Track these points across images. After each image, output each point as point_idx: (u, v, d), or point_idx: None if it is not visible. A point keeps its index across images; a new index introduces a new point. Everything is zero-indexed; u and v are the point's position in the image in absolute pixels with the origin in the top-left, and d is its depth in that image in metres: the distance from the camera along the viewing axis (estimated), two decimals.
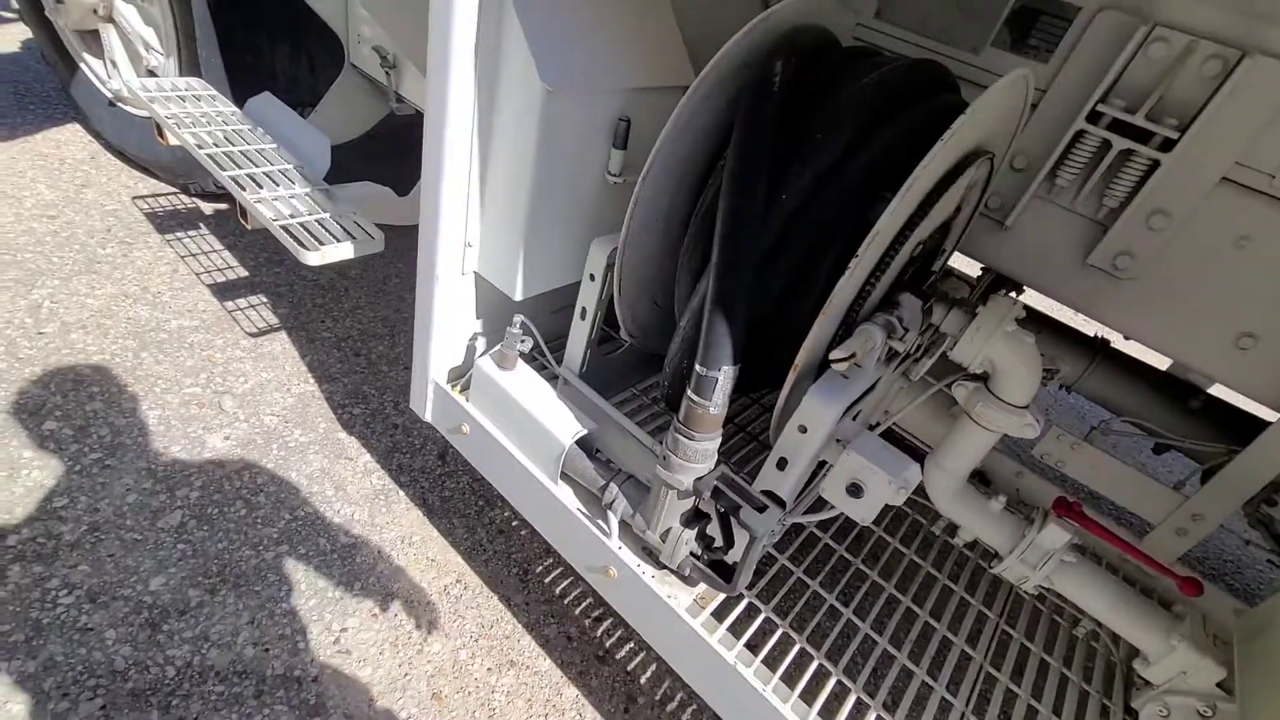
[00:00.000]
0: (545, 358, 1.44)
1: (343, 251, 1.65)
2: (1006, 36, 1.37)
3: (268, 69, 2.33)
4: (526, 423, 1.31)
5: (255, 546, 1.58)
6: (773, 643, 1.22)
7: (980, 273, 1.67)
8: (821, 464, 1.14)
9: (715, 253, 0.98)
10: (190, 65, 2.24)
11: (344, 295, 2.43)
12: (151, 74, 2.37)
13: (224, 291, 2.24)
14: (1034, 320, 1.59)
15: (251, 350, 2.07)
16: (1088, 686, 1.32)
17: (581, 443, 1.29)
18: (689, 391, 1.01)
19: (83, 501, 1.55)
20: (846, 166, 1.00)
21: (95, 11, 2.33)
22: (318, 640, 1.44)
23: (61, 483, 1.57)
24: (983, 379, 1.13)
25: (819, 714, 1.10)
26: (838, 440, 1.05)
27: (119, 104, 2.50)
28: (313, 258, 1.61)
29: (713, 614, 1.21)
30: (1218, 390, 1.54)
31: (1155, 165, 1.21)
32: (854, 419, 1.08)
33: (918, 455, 1.09)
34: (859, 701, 1.17)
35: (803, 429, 1.01)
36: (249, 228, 1.76)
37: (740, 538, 1.12)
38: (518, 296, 1.30)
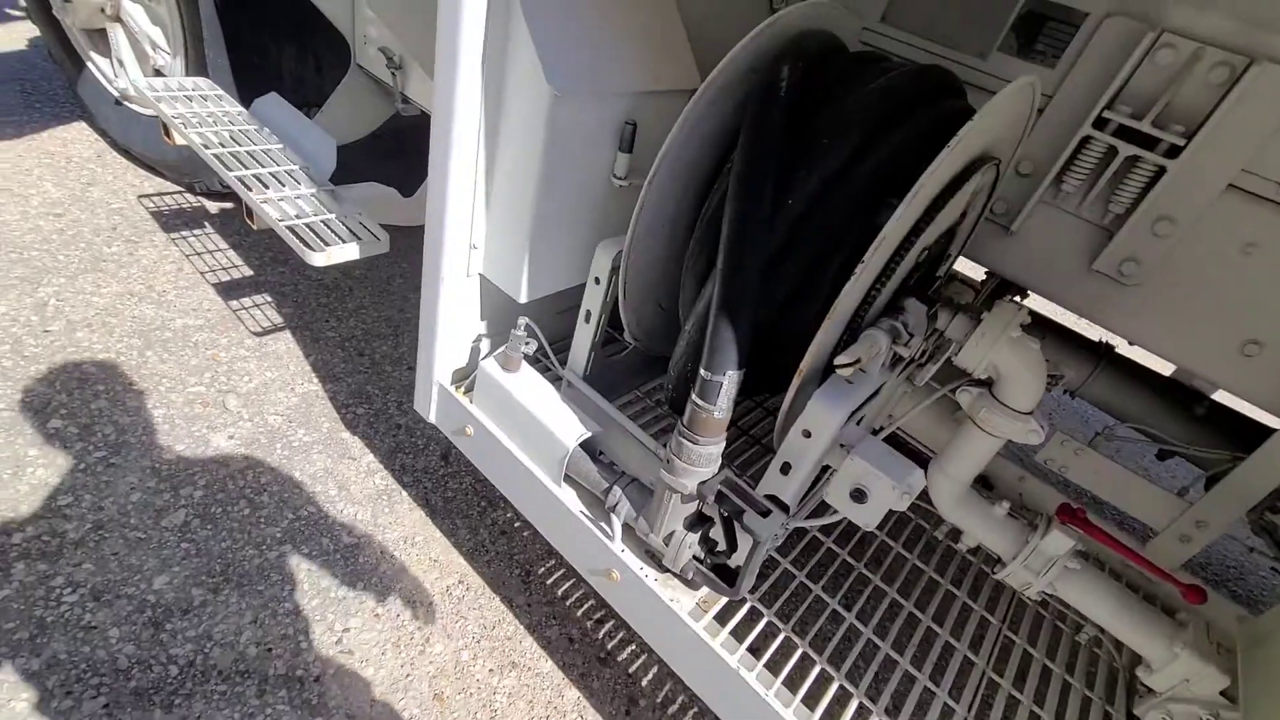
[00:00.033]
0: (549, 360, 1.45)
1: (348, 252, 1.66)
2: (1013, 41, 1.37)
3: (274, 69, 2.34)
4: (530, 425, 1.32)
5: (258, 546, 1.58)
6: (775, 647, 1.22)
7: (984, 277, 1.67)
8: (825, 468, 1.14)
9: (721, 257, 0.98)
10: (197, 65, 2.25)
11: (348, 295, 2.43)
12: (158, 73, 2.38)
13: (229, 290, 2.25)
14: (1038, 325, 1.58)
15: (256, 349, 2.07)
16: (1090, 693, 1.32)
17: (585, 445, 1.30)
18: (693, 395, 1.01)
19: (87, 500, 1.55)
20: (853, 172, 1.00)
21: (103, 10, 2.34)
22: (320, 640, 1.45)
23: (66, 481, 1.57)
24: (987, 384, 1.13)
25: (821, 719, 1.10)
26: (841, 445, 1.05)
27: (125, 103, 2.51)
28: (318, 258, 1.61)
29: (715, 618, 1.21)
30: (1223, 397, 1.54)
31: (1161, 171, 1.21)
32: (858, 424, 1.08)
33: (921, 460, 1.09)
34: (861, 706, 1.17)
35: (807, 434, 1.02)
36: (255, 228, 1.76)
37: (743, 542, 1.12)
38: (523, 299, 1.30)
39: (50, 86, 2.94)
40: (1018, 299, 1.72)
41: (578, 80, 1.10)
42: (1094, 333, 1.62)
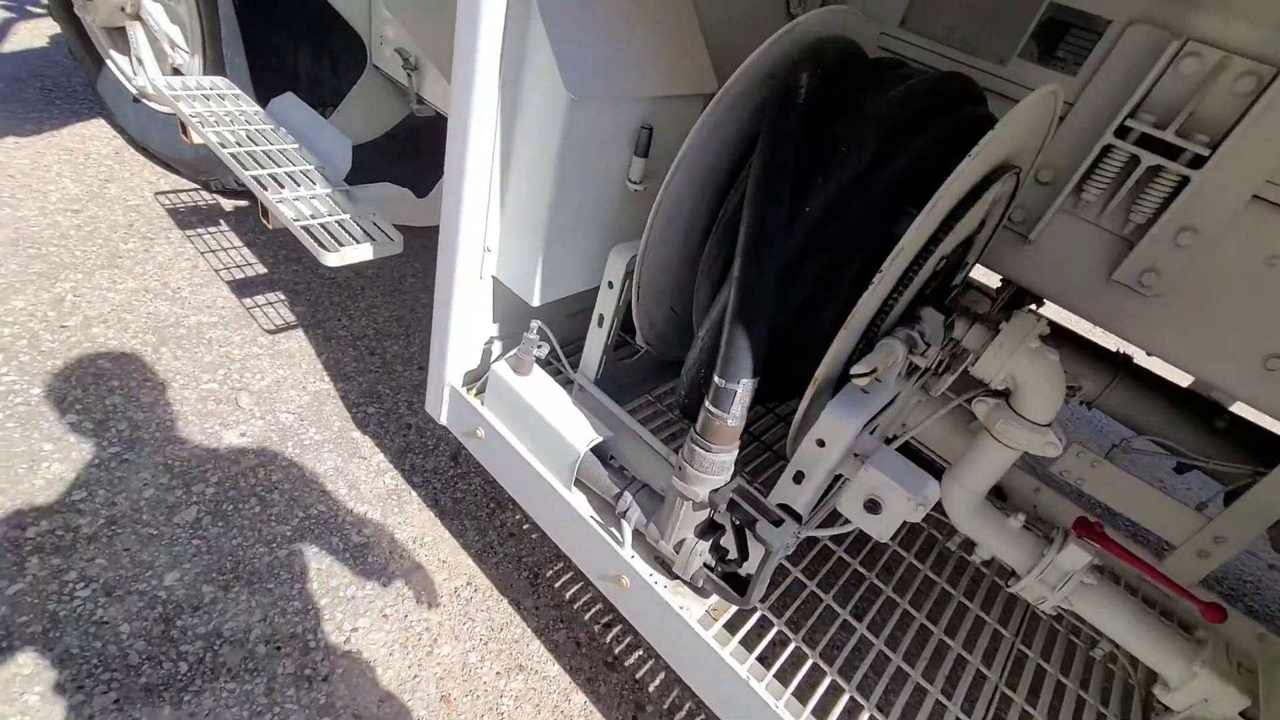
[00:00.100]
0: (561, 363, 1.44)
1: (362, 253, 1.66)
2: (1034, 48, 1.35)
3: (291, 69, 2.35)
4: (541, 429, 1.31)
5: (269, 544, 1.59)
6: (785, 657, 1.21)
7: (1000, 285, 1.65)
8: (837, 477, 1.13)
9: (738, 264, 0.97)
10: (215, 64, 2.26)
11: (360, 294, 2.44)
12: (176, 72, 2.40)
13: (242, 288, 2.26)
14: (1055, 335, 1.57)
15: (269, 347, 2.08)
16: (1105, 710, 1.30)
17: (596, 450, 1.29)
18: (707, 403, 1.00)
19: (101, 495, 1.56)
20: (871, 179, 0.99)
21: (123, 9, 2.36)
22: (329, 639, 1.45)
23: (80, 476, 1.58)
24: (1004, 395, 1.12)
25: None
26: (856, 455, 1.04)
27: (144, 100, 2.53)
28: (332, 259, 1.62)
29: (725, 626, 1.20)
30: (1241, 410, 1.51)
31: (1184, 182, 1.19)
32: (871, 433, 1.07)
33: (935, 470, 1.08)
34: (872, 719, 1.15)
35: (821, 443, 1.01)
36: (270, 227, 1.77)
37: (755, 551, 1.11)
38: (535, 302, 1.30)
39: (70, 83, 2.97)
40: (1034, 308, 1.70)
41: (594, 84, 1.10)
42: (1105, 339, 1.60)
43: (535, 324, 1.34)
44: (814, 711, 1.11)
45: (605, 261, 1.26)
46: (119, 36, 2.53)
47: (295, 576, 1.54)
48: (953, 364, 1.16)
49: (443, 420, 1.53)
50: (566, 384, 1.43)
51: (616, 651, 1.62)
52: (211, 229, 2.47)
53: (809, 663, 1.21)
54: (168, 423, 1.76)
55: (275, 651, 1.40)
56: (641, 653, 1.63)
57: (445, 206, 1.25)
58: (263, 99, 2.17)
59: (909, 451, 1.08)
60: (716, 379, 0.98)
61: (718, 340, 1.01)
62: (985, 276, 1.84)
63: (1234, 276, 1.22)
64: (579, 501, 1.31)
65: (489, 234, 1.31)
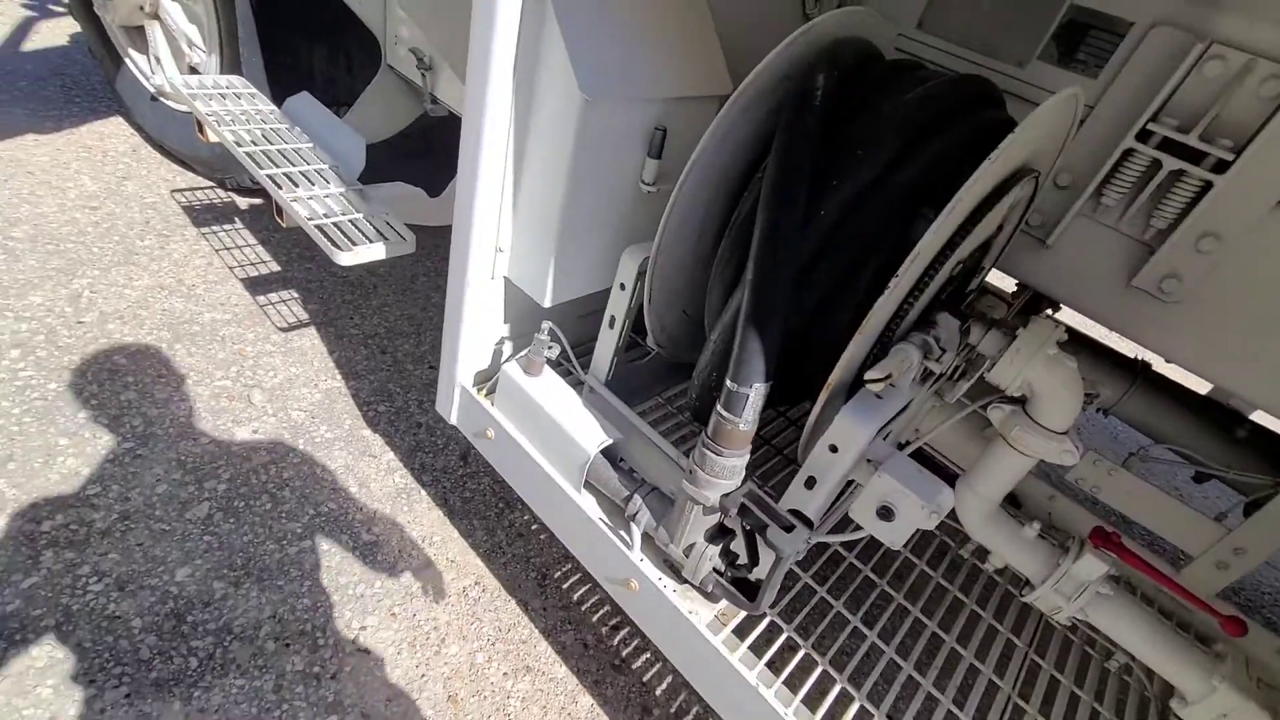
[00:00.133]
0: (571, 364, 1.44)
1: (374, 252, 1.67)
2: (1054, 50, 1.33)
3: (306, 68, 2.36)
4: (551, 430, 1.31)
5: (279, 541, 1.59)
6: (794, 663, 1.20)
7: (1016, 289, 1.63)
8: (849, 482, 1.12)
9: (751, 266, 0.96)
10: (231, 63, 2.28)
11: (372, 292, 2.45)
12: (194, 71, 2.42)
13: (256, 286, 2.27)
14: (1071, 341, 1.54)
15: (281, 345, 2.10)
16: None
17: (606, 452, 1.29)
18: (719, 407, 0.99)
19: (114, 490, 1.58)
20: (888, 182, 0.98)
21: (142, 8, 2.38)
22: (337, 637, 1.45)
23: (95, 470, 1.60)
24: (1020, 402, 1.10)
25: None
26: (869, 460, 1.03)
27: (161, 99, 2.56)
28: (345, 258, 1.62)
29: (734, 631, 1.19)
30: (1262, 419, 1.48)
31: (1207, 187, 1.17)
32: (885, 438, 1.06)
33: (948, 476, 1.06)
34: None
35: (833, 448, 1.00)
36: (284, 225, 1.78)
37: (765, 556, 1.10)
38: (547, 303, 1.30)
39: (90, 81, 3.00)
40: (1050, 312, 1.68)
41: (609, 85, 1.09)
42: (1118, 344, 1.57)
43: (546, 325, 1.33)
44: (823, 719, 1.10)
45: (617, 263, 1.26)
46: (138, 35, 2.56)
47: (305, 574, 1.55)
48: (968, 370, 1.15)
49: (453, 420, 1.53)
50: (577, 385, 1.42)
51: (624, 654, 1.62)
52: (226, 226, 2.49)
53: (818, 670, 1.20)
54: (181, 419, 1.78)
55: (284, 648, 1.41)
56: (649, 655, 1.63)
57: (458, 206, 1.25)
58: (278, 98, 2.19)
59: (922, 457, 1.07)
60: (729, 382, 0.97)
61: (730, 343, 1.00)
62: (1001, 281, 1.82)
63: (1257, 283, 1.20)
64: (588, 504, 1.30)
65: (501, 234, 1.30)
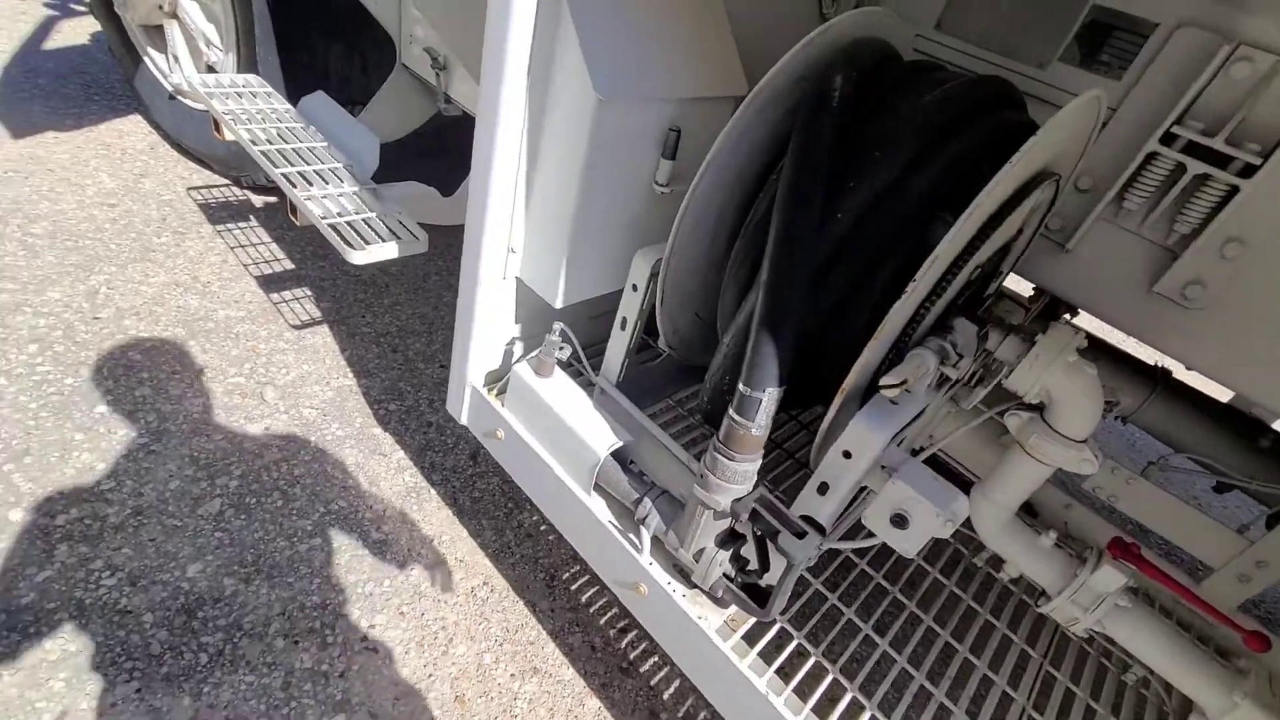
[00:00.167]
0: (582, 365, 1.43)
1: (387, 251, 1.67)
2: (1076, 52, 1.31)
3: (321, 68, 2.37)
4: (562, 432, 1.30)
5: (290, 538, 1.60)
6: (804, 671, 1.18)
7: (1033, 294, 1.61)
8: (862, 488, 1.10)
9: (766, 269, 0.95)
10: (248, 62, 2.30)
11: (384, 291, 2.46)
12: (211, 69, 2.44)
13: (270, 283, 2.29)
14: (1090, 347, 1.52)
15: (294, 342, 2.11)
16: None
17: (616, 455, 1.28)
18: (731, 411, 0.98)
19: (128, 485, 1.59)
20: (905, 185, 0.96)
21: (161, 7, 2.40)
22: (346, 635, 1.46)
23: (109, 465, 1.61)
24: (1038, 409, 1.08)
25: None
26: (882, 467, 1.01)
27: (179, 97, 2.58)
28: (358, 257, 1.63)
29: (743, 637, 1.18)
30: None
31: (1234, 191, 1.14)
32: (898, 444, 1.04)
33: (962, 483, 1.05)
34: None
35: (847, 454, 0.98)
36: (298, 224, 1.79)
37: (776, 562, 1.09)
38: (558, 304, 1.29)
39: (109, 80, 3.04)
40: (1068, 317, 1.65)
41: (623, 85, 1.09)
42: (1136, 348, 1.55)
43: (558, 326, 1.33)
44: None
45: (629, 264, 1.25)
46: (156, 34, 2.58)
47: (315, 571, 1.55)
48: (985, 376, 1.13)
49: (463, 420, 1.53)
50: (588, 386, 1.42)
51: (632, 657, 1.61)
52: (241, 224, 2.51)
53: (829, 678, 1.18)
54: (194, 415, 1.79)
55: (293, 646, 1.41)
56: (657, 659, 1.62)
57: (471, 206, 1.24)
58: (294, 97, 2.20)
59: (936, 463, 1.05)
60: (741, 386, 0.96)
61: (743, 347, 0.99)
62: (1017, 285, 1.80)
63: None
64: (598, 506, 1.30)
65: (514, 235, 1.30)
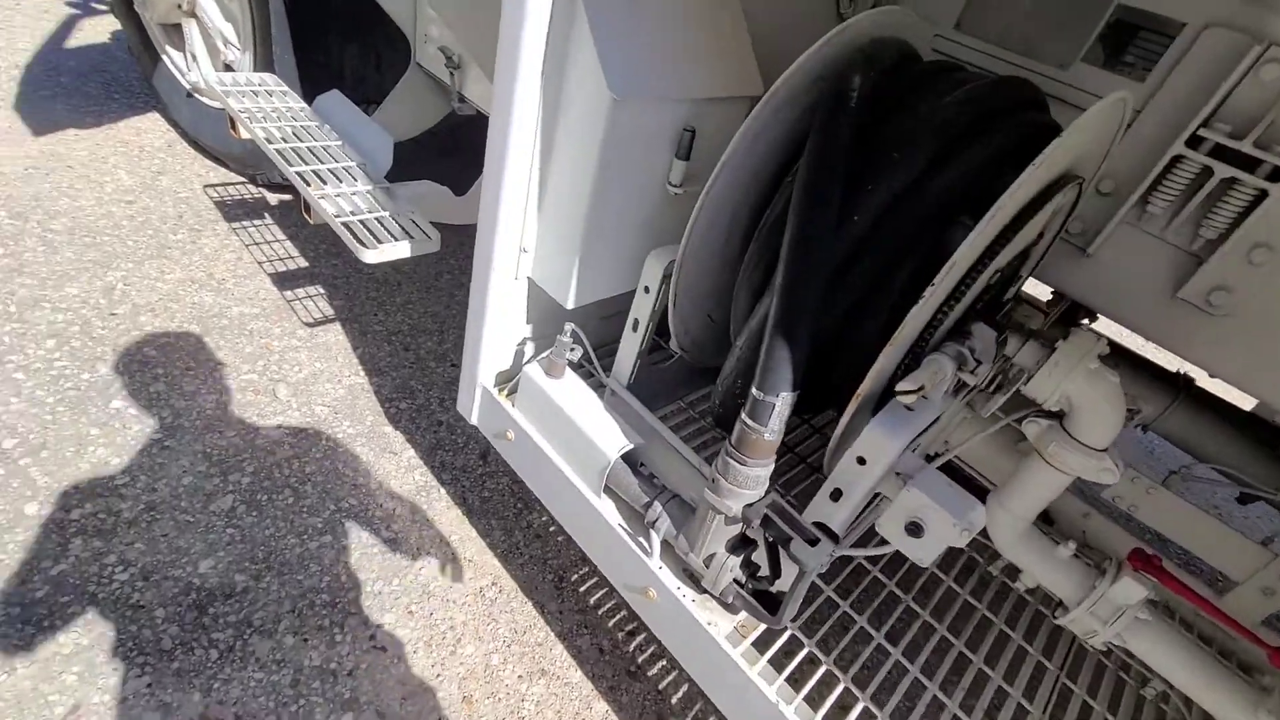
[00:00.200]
0: (593, 366, 1.42)
1: (399, 250, 1.67)
2: (1099, 52, 1.28)
3: (337, 67, 2.38)
4: (572, 433, 1.30)
5: (300, 535, 1.61)
6: (816, 679, 1.17)
7: (1050, 298, 1.58)
8: (876, 494, 1.08)
9: (781, 272, 0.94)
10: (265, 61, 2.31)
11: (396, 289, 2.46)
12: (228, 68, 2.46)
13: (284, 281, 2.30)
14: (1111, 353, 1.49)
15: (307, 340, 2.12)
16: None
17: (627, 457, 1.27)
18: (744, 415, 0.97)
19: (142, 480, 1.60)
20: (924, 187, 0.94)
21: (179, 6, 2.42)
22: (354, 634, 1.46)
23: (124, 460, 1.62)
24: (1058, 417, 1.06)
25: None
26: (897, 474, 1.00)
27: (196, 95, 2.60)
28: (370, 256, 1.63)
29: (753, 644, 1.16)
30: None
31: (1262, 195, 1.11)
32: (913, 450, 1.02)
33: (977, 489, 1.03)
34: None
35: (861, 461, 0.96)
36: (312, 222, 1.79)
37: (788, 569, 1.08)
38: (570, 305, 1.28)
39: (128, 78, 3.07)
40: (1086, 322, 1.62)
41: (638, 85, 1.08)
42: (1152, 352, 1.51)
43: (569, 327, 1.32)
44: None
45: (642, 265, 1.24)
46: (175, 33, 2.60)
47: (324, 569, 1.55)
48: (1004, 383, 1.11)
49: (474, 420, 1.53)
50: (598, 388, 1.41)
51: (640, 660, 1.60)
52: (256, 222, 2.52)
53: (840, 686, 1.17)
54: (208, 411, 1.80)
55: (303, 643, 1.41)
56: (665, 663, 1.61)
57: (483, 206, 1.24)
58: (309, 95, 2.21)
59: (950, 470, 1.03)
60: (754, 391, 0.94)
61: (756, 350, 0.98)
62: (1034, 289, 1.77)
63: None
64: (608, 509, 1.29)
65: (526, 235, 1.29)
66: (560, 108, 1.14)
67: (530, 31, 1.03)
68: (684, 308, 1.21)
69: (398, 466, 1.85)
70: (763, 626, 1.20)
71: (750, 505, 1.03)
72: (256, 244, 2.41)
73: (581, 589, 1.70)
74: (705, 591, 1.19)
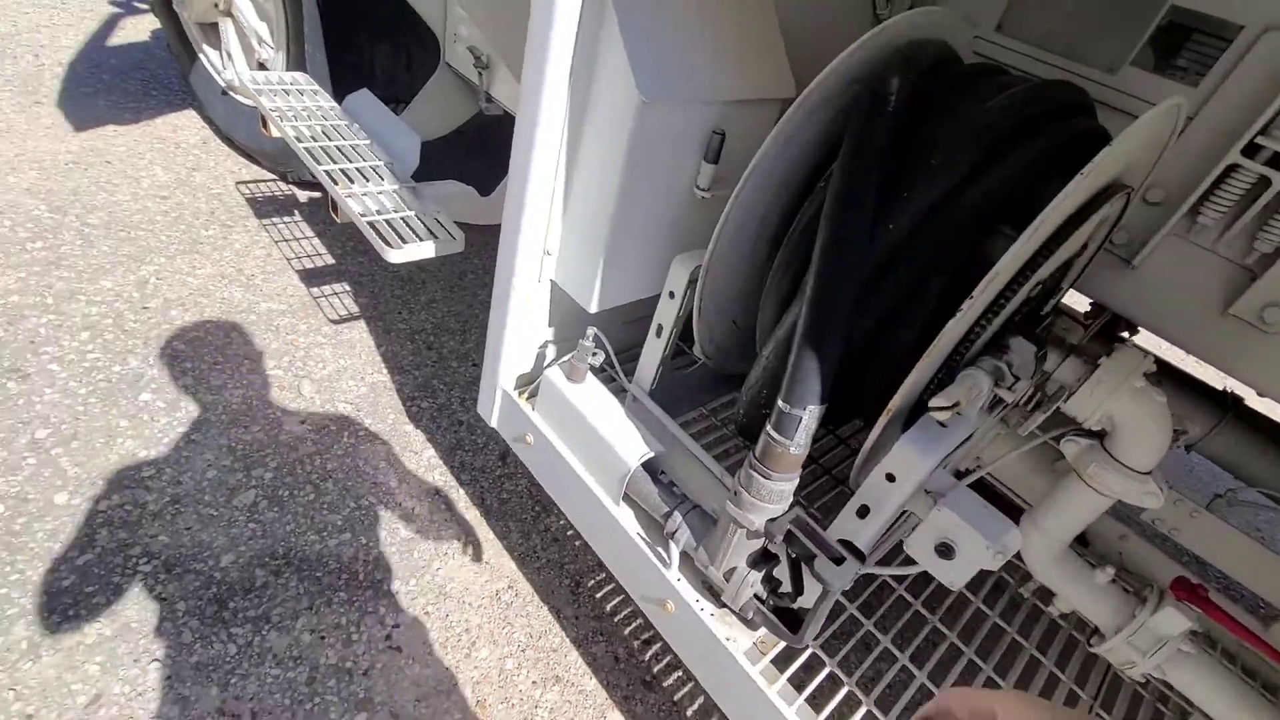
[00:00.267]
0: (615, 371, 1.40)
1: (423, 250, 1.67)
2: (1150, 56, 1.23)
3: (368, 66, 2.40)
4: (592, 439, 1.28)
5: (320, 532, 1.61)
6: (837, 700, 1.13)
7: (1089, 310, 1.52)
8: (903, 511, 1.05)
9: (812, 280, 0.91)
10: (297, 60, 2.33)
11: (421, 288, 2.47)
12: (262, 67, 2.49)
13: (311, 278, 2.32)
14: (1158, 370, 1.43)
15: (332, 337, 2.13)
16: None
17: (647, 465, 1.25)
18: (769, 428, 0.94)
19: (167, 473, 1.62)
20: (964, 194, 0.91)
21: (216, 5, 2.46)
22: (370, 633, 1.46)
23: (151, 453, 1.65)
24: (1099, 436, 1.02)
25: None
26: (927, 492, 0.96)
27: (231, 94, 2.64)
28: (395, 255, 1.63)
29: (773, 661, 1.13)
30: None
31: None
32: (944, 467, 0.99)
33: (1009, 508, 0.99)
34: None
35: (890, 478, 0.93)
36: (338, 220, 1.80)
37: (810, 585, 1.04)
38: (593, 309, 1.27)
39: (167, 76, 3.13)
40: (1126, 335, 1.56)
41: (668, 86, 1.05)
42: (1190, 365, 1.45)
43: (591, 331, 1.30)
44: None
45: (667, 270, 1.22)
46: (212, 32, 2.65)
47: (343, 566, 1.56)
48: (1042, 400, 1.07)
49: (493, 423, 1.52)
50: (620, 393, 1.39)
51: (655, 671, 1.58)
52: (286, 219, 2.55)
53: (863, 709, 1.13)
54: (234, 406, 1.82)
55: (319, 641, 1.42)
56: (681, 674, 1.58)
57: (507, 207, 1.23)
58: (340, 94, 2.23)
59: (980, 487, 0.99)
60: (781, 403, 0.92)
61: (784, 360, 0.95)
62: (1072, 300, 1.71)
63: None
64: (626, 517, 1.27)
65: (550, 237, 1.28)
66: (587, 109, 1.13)
67: (559, 31, 1.01)
68: (709, 314, 1.18)
69: (417, 466, 1.85)
70: (783, 643, 1.17)
71: (773, 520, 1.00)
72: (285, 240, 2.44)
73: (598, 595, 1.68)
74: (724, 606, 1.16)
